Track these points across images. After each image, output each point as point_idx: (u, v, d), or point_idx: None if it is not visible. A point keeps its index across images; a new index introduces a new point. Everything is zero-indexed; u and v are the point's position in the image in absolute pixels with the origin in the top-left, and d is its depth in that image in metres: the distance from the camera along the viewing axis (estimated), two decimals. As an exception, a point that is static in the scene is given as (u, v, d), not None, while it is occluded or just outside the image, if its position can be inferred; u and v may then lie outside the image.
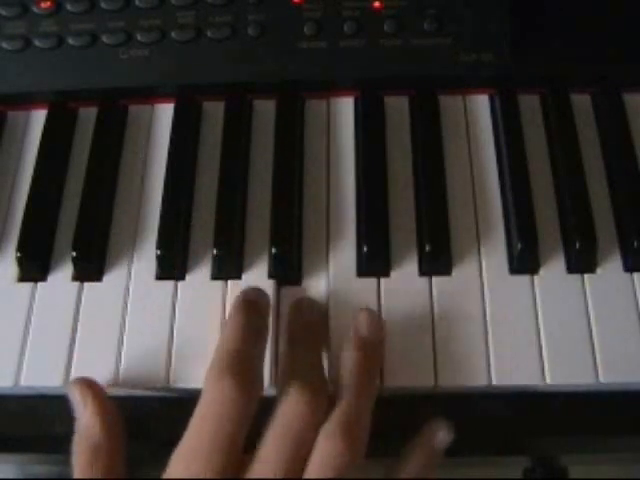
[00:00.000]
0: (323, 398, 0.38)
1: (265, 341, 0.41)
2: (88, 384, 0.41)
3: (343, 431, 0.37)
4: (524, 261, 0.45)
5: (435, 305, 0.44)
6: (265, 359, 0.41)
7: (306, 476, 0.36)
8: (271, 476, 0.36)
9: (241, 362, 0.38)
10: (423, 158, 0.49)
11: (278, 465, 0.36)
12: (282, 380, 0.39)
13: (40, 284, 0.46)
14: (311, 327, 0.43)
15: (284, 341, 0.42)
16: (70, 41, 0.51)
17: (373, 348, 0.41)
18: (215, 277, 0.46)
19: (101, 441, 0.39)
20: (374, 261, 0.45)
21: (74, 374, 0.43)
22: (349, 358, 0.40)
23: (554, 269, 0.45)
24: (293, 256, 0.46)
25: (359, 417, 0.38)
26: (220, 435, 0.36)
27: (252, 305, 0.42)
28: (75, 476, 0.38)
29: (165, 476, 0.36)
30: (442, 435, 0.41)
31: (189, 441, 0.37)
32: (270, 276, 0.46)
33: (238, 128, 0.51)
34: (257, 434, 0.37)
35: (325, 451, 0.36)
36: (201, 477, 0.35)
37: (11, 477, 0.55)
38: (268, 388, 0.41)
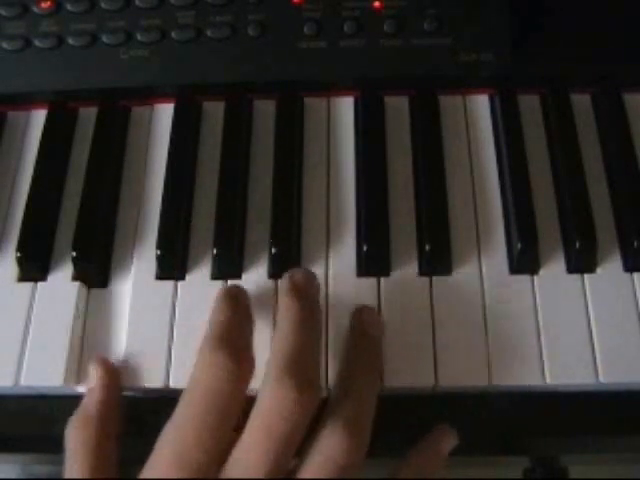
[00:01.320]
0: (316, 396, 0.36)
1: (252, 331, 0.41)
2: (103, 360, 0.42)
3: (348, 429, 0.36)
4: (524, 261, 0.45)
5: (435, 305, 0.44)
6: (264, 356, 0.41)
7: (305, 474, 0.35)
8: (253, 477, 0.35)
9: (234, 337, 0.38)
10: (423, 158, 0.49)
11: (261, 472, 0.34)
12: (272, 369, 0.37)
13: (40, 284, 0.46)
14: (309, 306, 0.40)
15: (281, 315, 0.40)
16: (70, 41, 0.51)
17: (375, 344, 0.41)
18: (215, 277, 0.46)
19: (93, 413, 0.40)
20: (374, 261, 0.45)
21: (74, 374, 0.43)
22: (351, 354, 0.40)
23: (554, 269, 0.45)
24: (293, 256, 0.46)
25: (364, 415, 0.37)
26: (212, 411, 0.35)
27: (236, 295, 0.42)
28: (66, 452, 0.39)
29: (155, 453, 0.36)
30: (447, 439, 0.41)
31: (180, 417, 0.36)
32: (270, 276, 0.46)
33: (238, 128, 0.51)
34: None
35: (329, 448, 0.35)
36: (193, 457, 0.35)
37: (13, 477, 0.55)
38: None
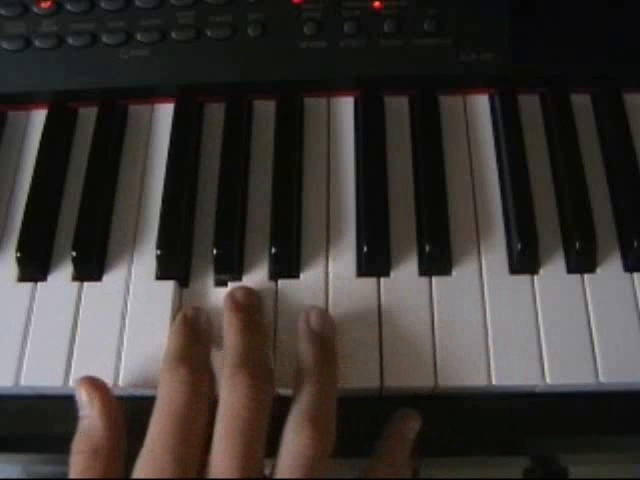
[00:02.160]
0: (268, 388, 0.38)
1: (208, 342, 0.42)
2: (96, 384, 0.41)
3: (311, 421, 0.37)
4: (524, 261, 0.45)
5: (435, 305, 0.44)
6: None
7: (279, 474, 0.36)
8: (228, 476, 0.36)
9: (188, 354, 0.40)
10: (423, 158, 0.49)
11: (234, 471, 0.36)
12: (224, 373, 0.39)
13: (40, 284, 0.46)
14: (248, 320, 0.42)
15: (226, 330, 0.42)
16: (70, 41, 0.51)
17: (328, 341, 0.42)
18: (215, 277, 0.46)
19: (102, 443, 0.38)
20: (374, 261, 0.45)
21: (74, 374, 0.43)
22: (306, 352, 0.41)
23: (554, 269, 0.45)
24: (293, 256, 0.46)
25: (324, 407, 0.38)
26: (179, 425, 0.37)
27: (192, 319, 0.43)
28: (71, 475, 0.38)
29: (134, 467, 0.37)
30: (412, 423, 0.41)
31: (151, 431, 0.37)
32: (270, 276, 0.46)
33: (238, 128, 0.51)
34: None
35: (295, 444, 0.36)
36: (166, 469, 0.36)
37: (14, 477, 0.55)
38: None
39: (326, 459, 0.37)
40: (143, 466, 0.37)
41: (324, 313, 0.43)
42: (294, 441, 0.37)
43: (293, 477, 0.36)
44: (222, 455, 0.36)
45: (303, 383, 0.39)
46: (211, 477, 0.36)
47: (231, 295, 0.43)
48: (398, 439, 0.41)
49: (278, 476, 0.36)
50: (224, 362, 0.39)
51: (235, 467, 0.36)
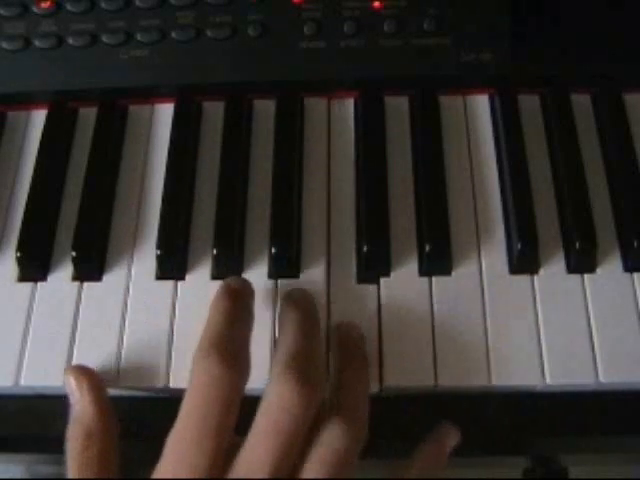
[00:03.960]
0: (318, 391, 0.37)
1: (250, 328, 0.41)
2: (84, 371, 0.41)
3: (344, 416, 0.37)
4: (524, 261, 0.45)
5: (435, 305, 0.44)
6: (264, 355, 0.41)
7: (313, 466, 0.36)
8: (259, 476, 0.35)
9: (226, 341, 0.38)
10: (423, 158, 0.49)
11: (266, 467, 0.35)
12: (274, 368, 0.38)
13: (40, 284, 0.46)
14: (307, 314, 0.42)
15: (279, 330, 0.42)
16: (70, 41, 0.51)
17: (359, 344, 0.42)
18: (215, 277, 0.46)
19: (95, 427, 0.39)
20: (374, 261, 0.45)
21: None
22: (338, 355, 0.41)
23: (554, 269, 0.45)
24: (293, 256, 0.46)
25: (358, 402, 0.38)
26: (209, 417, 0.36)
27: (236, 292, 0.42)
28: (68, 461, 0.38)
29: (160, 464, 0.36)
30: (450, 437, 0.41)
31: (180, 426, 0.37)
32: (270, 276, 0.46)
33: (238, 128, 0.51)
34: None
35: (329, 438, 0.36)
36: (193, 463, 0.35)
37: (17, 477, 0.55)
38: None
39: (356, 455, 0.37)
40: (171, 456, 0.36)
41: (353, 323, 0.43)
42: (328, 436, 0.37)
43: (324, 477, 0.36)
44: (257, 452, 0.36)
45: (338, 382, 0.39)
46: (242, 472, 0.36)
47: (289, 292, 0.43)
48: (435, 450, 0.41)
49: (309, 468, 0.36)
50: (275, 356, 0.39)
51: (270, 464, 0.35)
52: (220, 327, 0.39)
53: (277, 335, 0.43)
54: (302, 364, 0.37)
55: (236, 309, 0.41)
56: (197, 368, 0.38)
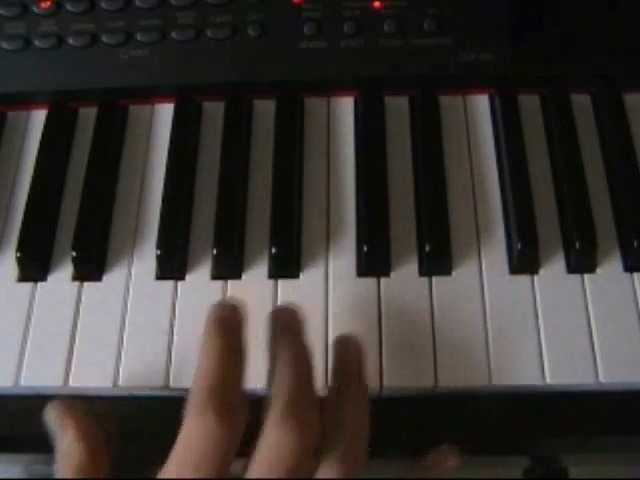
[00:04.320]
0: (315, 424, 0.36)
1: (244, 369, 0.38)
2: (66, 407, 0.40)
3: (344, 456, 0.36)
4: (524, 261, 0.45)
5: (435, 305, 0.44)
6: (260, 362, 0.40)
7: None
8: None
9: (222, 393, 0.36)
10: (423, 158, 0.49)
11: None
12: (273, 413, 0.36)
13: (40, 284, 0.46)
14: (302, 353, 0.39)
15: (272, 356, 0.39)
16: (70, 41, 0.51)
17: (359, 371, 0.40)
18: (215, 277, 0.46)
19: (84, 463, 0.38)
20: (374, 261, 0.45)
21: (74, 374, 0.43)
22: (336, 383, 0.40)
23: (554, 269, 0.45)
24: (293, 256, 0.46)
25: (357, 443, 0.37)
26: (205, 468, 0.35)
27: (226, 325, 0.39)
28: None
29: None
30: (448, 461, 0.41)
31: (171, 472, 0.35)
32: (270, 276, 0.46)
33: (238, 128, 0.51)
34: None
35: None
36: None
37: (15, 477, 0.55)
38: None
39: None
40: None
41: (349, 337, 0.41)
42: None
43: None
44: None
45: (336, 412, 0.38)
46: None
47: (276, 312, 0.41)
48: (434, 471, 0.41)
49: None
50: (271, 402, 0.37)
51: None
52: (214, 375, 0.37)
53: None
54: (298, 414, 0.36)
55: (229, 350, 0.38)
56: (193, 423, 0.36)
